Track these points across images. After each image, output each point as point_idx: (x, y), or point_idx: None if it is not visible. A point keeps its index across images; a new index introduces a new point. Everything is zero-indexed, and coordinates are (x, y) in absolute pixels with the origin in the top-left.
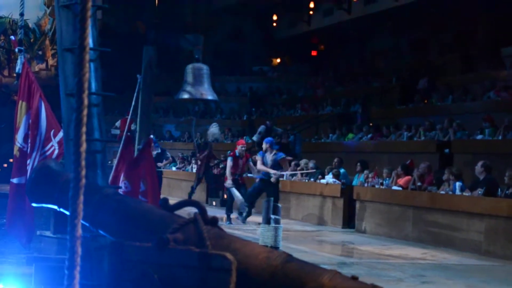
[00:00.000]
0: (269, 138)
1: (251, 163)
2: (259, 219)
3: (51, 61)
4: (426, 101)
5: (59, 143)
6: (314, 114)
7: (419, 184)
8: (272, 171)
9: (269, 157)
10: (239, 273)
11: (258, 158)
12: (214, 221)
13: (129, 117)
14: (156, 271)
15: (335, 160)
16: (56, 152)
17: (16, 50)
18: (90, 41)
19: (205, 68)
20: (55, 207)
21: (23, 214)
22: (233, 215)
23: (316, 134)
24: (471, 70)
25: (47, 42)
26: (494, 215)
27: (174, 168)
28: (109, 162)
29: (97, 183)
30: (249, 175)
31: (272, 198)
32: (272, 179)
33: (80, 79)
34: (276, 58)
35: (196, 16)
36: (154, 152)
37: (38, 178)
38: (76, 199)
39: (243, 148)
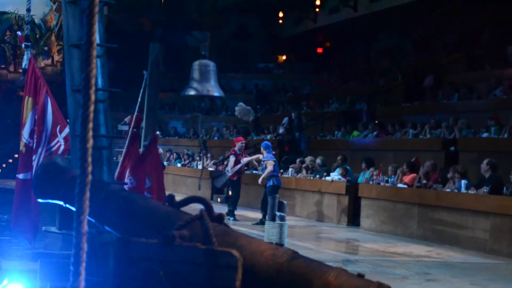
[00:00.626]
0: (266, 142)
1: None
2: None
3: (56, 57)
4: (432, 99)
5: (65, 139)
6: (319, 112)
7: (424, 182)
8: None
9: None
10: (245, 270)
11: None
12: (220, 217)
13: (135, 113)
14: (162, 268)
15: (339, 157)
16: (62, 148)
17: (23, 45)
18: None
19: (211, 65)
20: (61, 203)
21: (28, 209)
22: (237, 212)
23: (321, 132)
24: (476, 68)
25: (53, 38)
26: (500, 213)
27: (179, 165)
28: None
29: (103, 179)
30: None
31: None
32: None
33: (87, 75)
34: (282, 55)
35: (202, 13)
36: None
37: (44, 174)
38: (83, 195)
39: (242, 144)
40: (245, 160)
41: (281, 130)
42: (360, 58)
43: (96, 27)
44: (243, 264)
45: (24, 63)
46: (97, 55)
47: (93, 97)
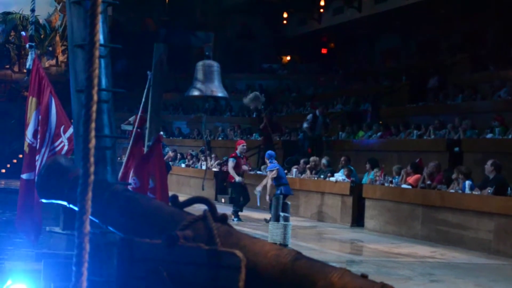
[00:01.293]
0: (269, 152)
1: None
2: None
3: (61, 57)
4: (436, 100)
5: (69, 139)
6: (324, 112)
7: (428, 182)
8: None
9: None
10: (248, 270)
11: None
12: (223, 218)
13: (139, 113)
14: (166, 268)
15: (342, 158)
16: (65, 148)
17: (27, 46)
18: (100, 37)
19: (215, 65)
20: (65, 203)
21: (31, 210)
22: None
23: (325, 132)
24: (480, 69)
25: (57, 38)
26: (504, 214)
27: (183, 165)
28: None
29: (107, 180)
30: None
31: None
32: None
33: (90, 75)
34: (286, 56)
35: (206, 14)
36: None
37: (48, 174)
38: (85, 195)
39: (244, 147)
40: (268, 190)
41: (305, 125)
42: (365, 59)
43: (99, 27)
44: (246, 264)
45: (28, 63)
46: (101, 55)
47: (95, 97)
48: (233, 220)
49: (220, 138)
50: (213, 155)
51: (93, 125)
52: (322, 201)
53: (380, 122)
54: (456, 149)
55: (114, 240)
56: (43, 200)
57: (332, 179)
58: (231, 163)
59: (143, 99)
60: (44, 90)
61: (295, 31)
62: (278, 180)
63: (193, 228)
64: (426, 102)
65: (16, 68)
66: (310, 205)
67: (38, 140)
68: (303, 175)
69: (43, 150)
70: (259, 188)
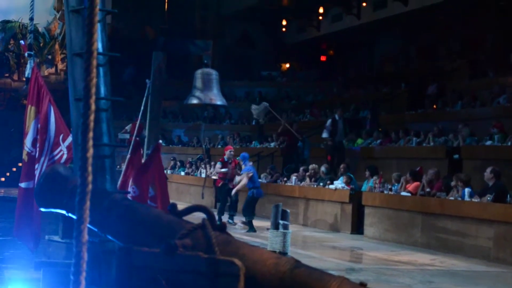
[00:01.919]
0: (243, 154)
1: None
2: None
3: (60, 66)
4: (435, 107)
5: (68, 147)
6: (323, 120)
7: (428, 190)
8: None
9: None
10: (247, 278)
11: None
12: (222, 227)
13: (138, 122)
14: (165, 277)
15: (342, 166)
16: (64, 156)
17: (26, 54)
18: (99, 46)
19: (214, 73)
20: (64, 212)
21: (30, 218)
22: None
23: (324, 140)
24: (480, 76)
25: (57, 46)
26: (503, 221)
27: (182, 173)
28: (118, 167)
29: (106, 188)
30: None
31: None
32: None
33: (87, 84)
34: (285, 63)
35: (205, 21)
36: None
37: (47, 183)
38: (83, 204)
39: (231, 153)
40: (235, 189)
41: (324, 135)
42: (364, 65)
43: (97, 36)
44: (245, 273)
45: (27, 72)
46: (100, 64)
47: (93, 106)
48: (228, 222)
49: (219, 146)
50: (212, 163)
51: (91, 134)
52: (321, 208)
53: (380, 129)
54: (456, 156)
55: (113, 249)
56: (42, 209)
57: (331, 186)
58: (217, 166)
59: (142, 107)
60: (43, 98)
61: (294, 39)
62: (252, 183)
63: (192, 237)
64: (425, 109)
65: (15, 77)
66: (310, 212)
67: (38, 149)
68: (303, 183)
69: (42, 158)
70: (234, 191)
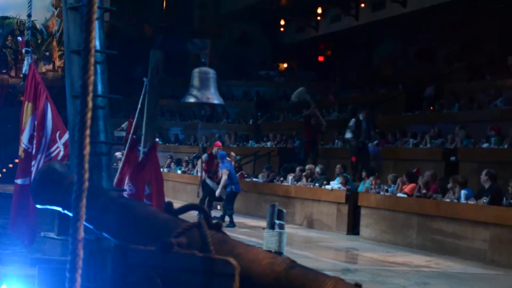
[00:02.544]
0: (221, 153)
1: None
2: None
3: (58, 62)
4: (432, 109)
5: (64, 144)
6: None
7: (424, 191)
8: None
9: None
10: (242, 278)
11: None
12: (218, 225)
13: (135, 120)
14: (160, 275)
15: (337, 166)
16: (61, 153)
17: (23, 51)
18: (97, 44)
19: (211, 72)
20: (60, 209)
21: (26, 215)
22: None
23: (322, 140)
24: (477, 78)
25: (54, 43)
26: (499, 223)
27: (179, 172)
28: (114, 164)
29: (102, 186)
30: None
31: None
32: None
33: (85, 81)
34: (283, 63)
35: (203, 20)
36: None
37: (43, 180)
38: (79, 201)
39: (219, 150)
40: (219, 188)
41: (348, 135)
42: (361, 66)
43: (95, 34)
44: (240, 272)
45: (25, 68)
46: (97, 61)
47: (90, 104)
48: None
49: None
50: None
51: (88, 131)
52: (317, 209)
53: (377, 130)
54: (452, 158)
55: (108, 246)
56: (38, 206)
57: (328, 187)
58: (204, 157)
59: (139, 105)
60: (40, 95)
61: (292, 39)
62: (230, 179)
63: (187, 235)
64: (423, 111)
65: (13, 73)
66: (306, 213)
67: (34, 146)
68: (299, 183)
69: (39, 155)
70: (219, 191)
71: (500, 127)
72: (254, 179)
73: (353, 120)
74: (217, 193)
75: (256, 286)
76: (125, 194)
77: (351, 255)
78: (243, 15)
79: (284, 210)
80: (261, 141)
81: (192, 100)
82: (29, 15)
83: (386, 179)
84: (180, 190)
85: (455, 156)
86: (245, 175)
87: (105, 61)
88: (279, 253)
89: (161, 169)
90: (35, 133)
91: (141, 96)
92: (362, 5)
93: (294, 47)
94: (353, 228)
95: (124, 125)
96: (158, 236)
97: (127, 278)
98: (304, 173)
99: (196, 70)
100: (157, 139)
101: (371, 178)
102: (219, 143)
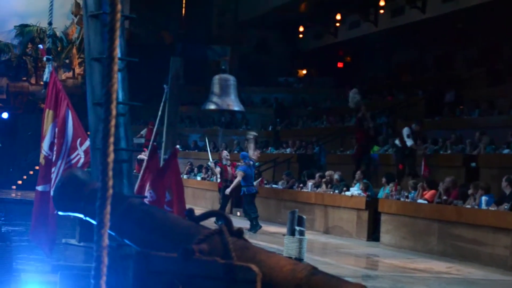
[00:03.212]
0: (243, 153)
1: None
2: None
3: (77, 70)
4: (452, 115)
5: (85, 151)
6: (339, 126)
7: (444, 198)
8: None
9: None
10: (264, 285)
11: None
12: (239, 232)
13: (155, 127)
14: (181, 282)
15: (358, 172)
16: (81, 160)
17: (44, 59)
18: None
19: (231, 79)
20: (81, 216)
21: (46, 222)
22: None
23: (341, 146)
24: (497, 83)
25: (74, 50)
26: None
27: (199, 178)
28: (134, 171)
29: (123, 193)
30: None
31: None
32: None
33: (109, 89)
34: (302, 69)
35: (222, 27)
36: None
37: (65, 187)
38: (103, 209)
39: (227, 157)
40: (230, 188)
41: (409, 143)
42: (381, 72)
43: (118, 42)
44: (262, 279)
45: (46, 76)
46: (118, 69)
47: (114, 112)
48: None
49: (236, 151)
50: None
51: (112, 139)
52: (337, 215)
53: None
54: (473, 164)
55: (130, 253)
56: (60, 213)
57: (347, 193)
58: (217, 170)
59: (160, 113)
60: (61, 102)
61: (311, 45)
62: (245, 181)
63: (209, 242)
64: (443, 117)
65: (33, 80)
66: (326, 219)
67: (55, 153)
68: (319, 189)
69: (59, 162)
70: (228, 190)
71: None
72: (274, 186)
73: (408, 128)
74: (227, 191)
75: None
76: (146, 200)
77: (372, 261)
78: (262, 22)
79: (304, 217)
80: (281, 147)
81: (212, 107)
82: (50, 23)
83: (407, 186)
84: (199, 196)
85: (476, 162)
86: (265, 182)
87: (125, 68)
88: (299, 259)
89: (181, 176)
90: (55, 140)
91: (161, 103)
92: (381, 11)
93: (313, 54)
94: (373, 235)
95: (143, 132)
96: (180, 243)
97: (149, 285)
98: (323, 180)
99: (217, 77)
100: (177, 146)
101: (391, 185)
102: (225, 151)
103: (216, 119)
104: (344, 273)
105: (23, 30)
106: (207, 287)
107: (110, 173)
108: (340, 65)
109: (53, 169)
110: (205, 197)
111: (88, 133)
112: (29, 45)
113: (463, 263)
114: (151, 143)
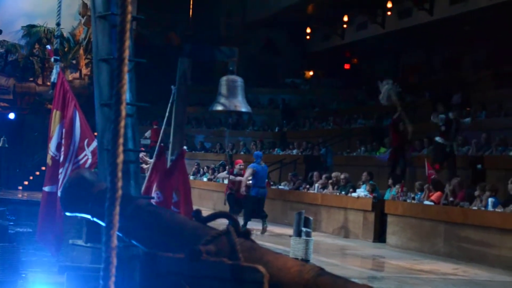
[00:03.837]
0: (257, 152)
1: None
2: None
3: (84, 70)
4: (459, 116)
5: (92, 152)
6: (346, 128)
7: (451, 199)
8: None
9: None
10: (271, 286)
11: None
12: (246, 233)
13: (162, 128)
14: (188, 283)
15: (364, 174)
16: (89, 161)
17: (52, 59)
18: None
19: (239, 80)
20: (89, 216)
21: (53, 222)
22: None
23: (348, 148)
24: (504, 86)
25: (81, 51)
26: None
27: (205, 179)
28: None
29: (130, 194)
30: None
31: (303, 211)
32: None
33: (118, 90)
34: (309, 71)
35: (230, 28)
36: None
37: (72, 188)
38: (112, 210)
39: (241, 167)
40: (243, 187)
41: (438, 139)
42: (388, 74)
43: (128, 43)
44: (269, 280)
45: (53, 77)
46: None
47: (123, 113)
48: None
49: (242, 153)
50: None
51: (121, 140)
52: (344, 216)
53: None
54: (479, 166)
55: (137, 254)
56: (67, 213)
57: (354, 194)
58: (231, 177)
59: (167, 113)
60: (69, 103)
61: (318, 46)
62: (254, 180)
63: (216, 243)
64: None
65: (40, 81)
66: (332, 220)
67: (62, 153)
68: (325, 190)
69: (66, 163)
70: (242, 189)
71: None
72: (280, 187)
73: (442, 116)
74: (242, 190)
75: None
76: (153, 201)
77: (378, 262)
78: (269, 23)
79: (311, 218)
80: (287, 148)
81: (220, 108)
82: (58, 24)
83: (413, 187)
84: (206, 197)
85: (482, 164)
86: (271, 183)
87: (133, 69)
88: (305, 260)
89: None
90: (63, 141)
91: (169, 104)
92: (389, 13)
93: (320, 55)
94: (380, 236)
95: (147, 134)
96: (187, 244)
97: (156, 286)
98: (330, 181)
99: (224, 78)
100: (185, 147)
101: (397, 186)
102: (240, 161)
103: (223, 120)
104: (350, 274)
105: (30, 30)
106: None
107: (120, 174)
108: (347, 66)
109: (60, 170)
110: (212, 198)
111: (95, 133)
112: (36, 46)
113: (469, 265)
114: (158, 144)
